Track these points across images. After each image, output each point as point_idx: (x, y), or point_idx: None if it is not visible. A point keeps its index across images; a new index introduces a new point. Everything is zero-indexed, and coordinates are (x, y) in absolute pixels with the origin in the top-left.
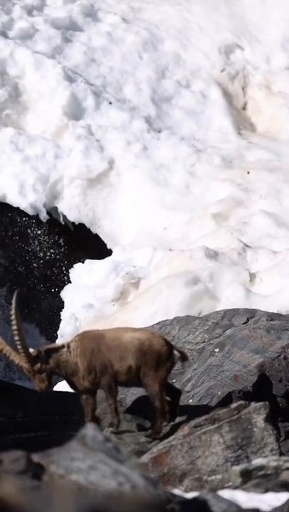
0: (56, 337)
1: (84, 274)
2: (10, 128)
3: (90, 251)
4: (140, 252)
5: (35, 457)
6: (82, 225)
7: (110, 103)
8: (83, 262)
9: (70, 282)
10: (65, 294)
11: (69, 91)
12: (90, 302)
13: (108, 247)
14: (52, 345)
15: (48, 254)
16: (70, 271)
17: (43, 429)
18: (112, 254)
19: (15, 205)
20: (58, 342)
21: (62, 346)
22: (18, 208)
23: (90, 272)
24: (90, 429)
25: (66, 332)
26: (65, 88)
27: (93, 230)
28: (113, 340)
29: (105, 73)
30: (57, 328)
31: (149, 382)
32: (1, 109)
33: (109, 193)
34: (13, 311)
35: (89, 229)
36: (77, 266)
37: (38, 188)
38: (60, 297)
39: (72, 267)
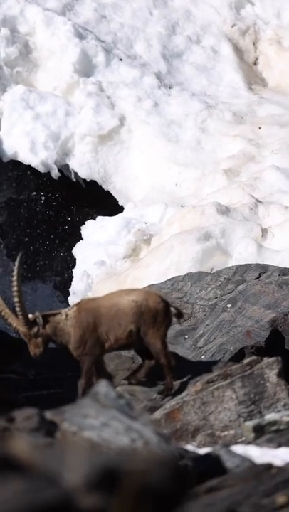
0: (69, 294)
1: (95, 231)
2: (21, 85)
3: (102, 208)
4: (152, 209)
5: (48, 415)
6: (93, 182)
7: (121, 59)
8: (95, 219)
9: (82, 239)
10: (77, 251)
11: (79, 48)
12: (101, 259)
13: (120, 203)
14: (50, 312)
15: (60, 211)
16: (81, 228)
17: (56, 386)
18: (124, 210)
19: (26, 162)
20: (71, 301)
21: (61, 314)
22: (29, 166)
23: (102, 228)
24: (102, 386)
25: (78, 289)
26: (75, 45)
27: (104, 187)
28: (110, 309)
29: (116, 30)
30: (69, 285)
31: (151, 341)
32: (12, 67)
33: (121, 150)
34: (15, 272)
35: (100, 186)
36: (89, 223)
37: (49, 146)
38: (72, 254)
39: (84, 224)
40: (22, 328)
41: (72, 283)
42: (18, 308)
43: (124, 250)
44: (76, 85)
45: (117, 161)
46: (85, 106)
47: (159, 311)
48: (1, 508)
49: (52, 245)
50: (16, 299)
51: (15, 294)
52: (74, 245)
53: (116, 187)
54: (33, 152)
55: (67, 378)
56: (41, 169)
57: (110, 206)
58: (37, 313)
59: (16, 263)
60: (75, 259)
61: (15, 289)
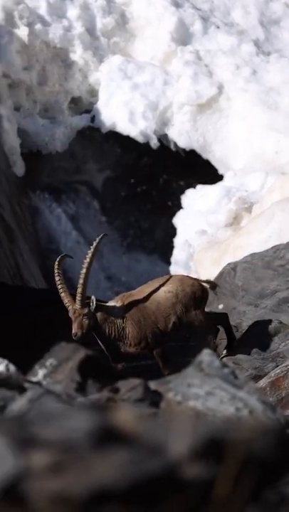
0: (170, 264)
1: (196, 199)
2: (118, 56)
3: (202, 176)
4: (252, 177)
5: (153, 385)
6: (192, 151)
7: (218, 27)
8: (195, 188)
9: (182, 208)
10: (178, 220)
11: (176, 16)
12: (202, 228)
13: (220, 172)
14: (104, 303)
15: (159, 180)
16: (181, 197)
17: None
18: (224, 179)
19: (125, 133)
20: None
21: (114, 307)
22: (128, 136)
23: (202, 197)
24: (206, 355)
25: (180, 259)
26: (172, 14)
27: (204, 156)
28: (151, 303)
29: None
30: (171, 254)
31: (200, 323)
32: (109, 37)
33: (219, 118)
34: (93, 246)
35: (200, 155)
36: (189, 192)
37: (147, 116)
38: (172, 224)
39: (184, 193)
40: (74, 305)
41: (174, 252)
42: (81, 281)
43: (225, 219)
44: (173, 54)
45: (216, 130)
46: (183, 75)
47: (196, 292)
48: (106, 480)
49: (153, 215)
50: (83, 271)
51: (84, 265)
52: (175, 214)
53: (215, 156)
54: (132, 122)
55: (172, 348)
56: (140, 139)
57: (210, 175)
58: (93, 297)
59: (97, 239)
60: (176, 228)
61: (87, 260)
